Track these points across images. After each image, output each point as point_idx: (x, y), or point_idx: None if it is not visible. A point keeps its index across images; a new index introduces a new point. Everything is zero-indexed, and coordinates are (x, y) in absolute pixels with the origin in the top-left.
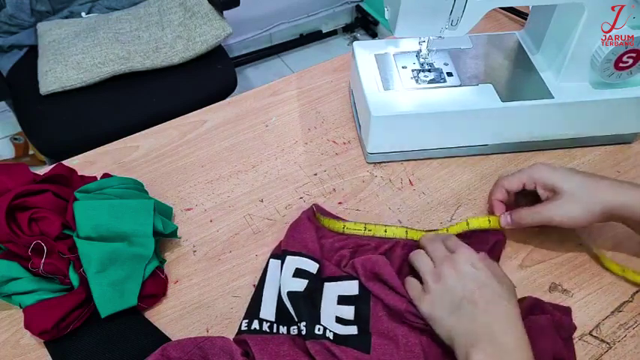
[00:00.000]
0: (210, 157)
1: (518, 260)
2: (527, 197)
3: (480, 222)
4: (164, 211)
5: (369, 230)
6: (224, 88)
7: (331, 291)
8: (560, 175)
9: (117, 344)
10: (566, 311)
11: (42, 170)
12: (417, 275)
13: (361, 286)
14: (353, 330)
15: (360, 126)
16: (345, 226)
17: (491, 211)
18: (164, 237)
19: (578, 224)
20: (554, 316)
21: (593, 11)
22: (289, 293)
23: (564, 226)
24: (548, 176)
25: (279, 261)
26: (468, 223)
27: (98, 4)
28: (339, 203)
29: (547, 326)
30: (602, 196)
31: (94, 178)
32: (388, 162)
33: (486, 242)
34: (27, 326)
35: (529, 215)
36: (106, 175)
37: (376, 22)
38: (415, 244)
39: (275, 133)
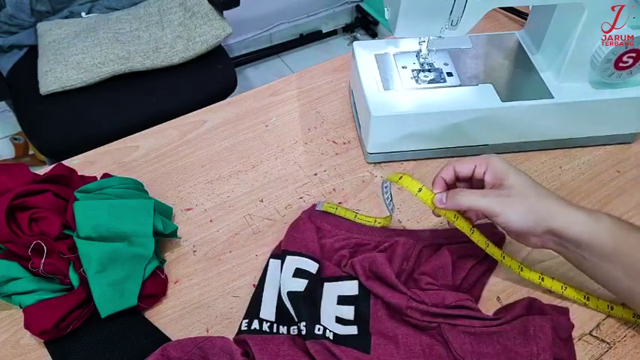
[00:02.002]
0: (210, 157)
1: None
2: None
3: (412, 187)
4: (164, 211)
5: (379, 222)
6: (224, 88)
7: (331, 291)
8: (515, 171)
9: (117, 344)
10: (564, 311)
11: (42, 170)
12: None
13: (361, 286)
14: (353, 330)
15: (360, 126)
16: (357, 215)
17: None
18: (164, 237)
19: (516, 226)
20: (552, 317)
21: (593, 11)
22: (289, 293)
23: (499, 220)
24: (503, 165)
25: (279, 261)
26: (400, 177)
27: (98, 4)
28: (339, 203)
29: (546, 326)
30: (550, 208)
31: (94, 178)
32: (388, 162)
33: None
34: (27, 326)
35: (467, 197)
36: (106, 175)
37: (376, 22)
38: (413, 243)
39: (275, 133)
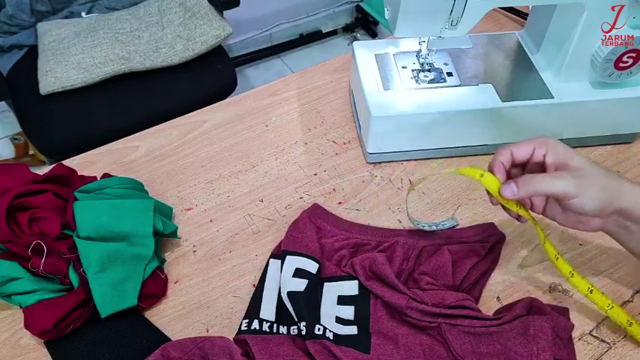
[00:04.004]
0: (210, 157)
1: (518, 260)
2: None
3: (472, 173)
4: (164, 211)
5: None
6: (224, 88)
7: (331, 291)
8: (574, 151)
9: (117, 344)
10: (564, 311)
11: (42, 170)
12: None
13: (361, 286)
14: (353, 330)
15: (360, 126)
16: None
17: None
18: (164, 237)
19: (589, 208)
20: (552, 317)
21: (593, 11)
22: (289, 293)
23: (575, 203)
24: (564, 146)
25: (279, 261)
26: (457, 170)
27: (98, 4)
28: (339, 203)
29: (546, 327)
30: (618, 186)
31: (94, 178)
32: (388, 162)
33: (486, 242)
34: (27, 326)
35: (543, 183)
36: (106, 175)
37: (376, 22)
38: (413, 243)
39: (275, 133)
